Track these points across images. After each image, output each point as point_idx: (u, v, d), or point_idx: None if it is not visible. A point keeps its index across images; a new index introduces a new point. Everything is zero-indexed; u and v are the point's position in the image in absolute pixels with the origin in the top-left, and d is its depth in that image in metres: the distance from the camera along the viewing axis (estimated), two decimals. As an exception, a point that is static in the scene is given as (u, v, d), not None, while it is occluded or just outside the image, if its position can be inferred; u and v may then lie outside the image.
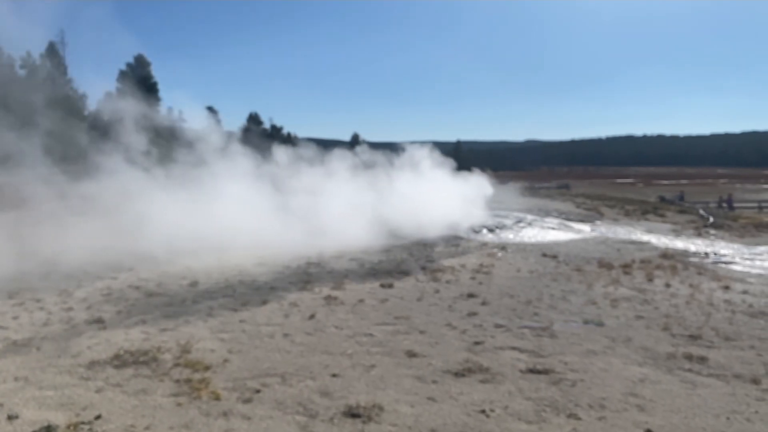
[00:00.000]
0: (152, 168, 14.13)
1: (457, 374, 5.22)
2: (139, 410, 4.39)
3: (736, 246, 14.38)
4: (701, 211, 23.79)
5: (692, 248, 13.81)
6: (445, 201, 16.71)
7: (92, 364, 5.38)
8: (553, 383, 5.05)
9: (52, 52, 46.07)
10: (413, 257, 11.81)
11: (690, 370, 5.42)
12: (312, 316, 7.20)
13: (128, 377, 5.07)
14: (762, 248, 13.93)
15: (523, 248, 13.39)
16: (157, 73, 51.89)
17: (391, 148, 20.66)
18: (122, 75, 47.25)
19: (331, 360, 5.61)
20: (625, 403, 4.63)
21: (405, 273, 10.10)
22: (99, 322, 6.85)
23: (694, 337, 6.45)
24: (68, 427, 4.07)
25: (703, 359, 5.70)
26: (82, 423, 4.13)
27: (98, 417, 4.24)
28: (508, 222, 18.04)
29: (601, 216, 21.52)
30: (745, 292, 8.86)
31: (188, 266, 10.24)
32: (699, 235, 16.78)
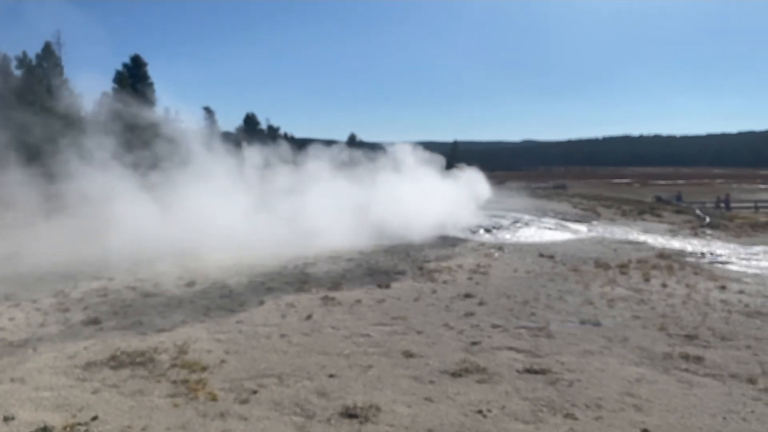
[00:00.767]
0: (139, 169, 14.08)
1: (454, 374, 5.22)
2: (135, 411, 4.38)
3: (732, 246, 14.41)
4: (697, 211, 23.84)
5: (689, 248, 13.84)
6: (440, 201, 16.69)
7: (89, 365, 5.36)
8: (549, 383, 5.05)
9: (49, 52, 45.99)
10: (410, 258, 11.81)
11: (686, 370, 5.43)
12: (309, 317, 7.20)
13: (125, 378, 5.06)
14: (758, 248, 13.97)
15: (520, 248, 13.40)
16: (154, 73, 51.79)
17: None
18: (118, 75, 47.21)
19: (328, 360, 5.60)
20: (621, 402, 4.64)
21: (402, 273, 10.10)
22: (95, 323, 6.83)
23: (690, 337, 6.46)
24: (64, 428, 4.06)
25: (699, 359, 5.71)
26: (79, 424, 4.12)
27: (95, 418, 4.23)
28: (505, 222, 18.06)
29: (597, 216, 21.56)
30: (741, 291, 8.88)
31: (185, 266, 10.22)
32: (695, 235, 16.81)
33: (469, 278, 9.75)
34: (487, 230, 16.49)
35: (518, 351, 5.95)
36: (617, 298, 8.39)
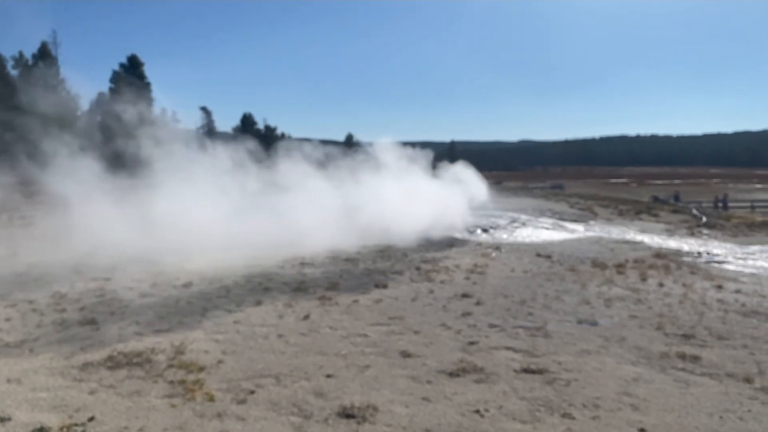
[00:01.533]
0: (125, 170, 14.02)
1: (452, 374, 5.22)
2: (132, 412, 4.37)
3: (728, 245, 14.44)
4: (694, 211, 23.90)
5: (685, 248, 13.87)
6: (432, 201, 16.66)
7: (85, 366, 5.35)
8: (547, 383, 5.06)
9: (45, 52, 45.90)
10: (407, 258, 11.81)
11: (683, 370, 5.44)
12: (306, 317, 7.19)
13: (122, 378, 5.05)
14: (754, 248, 14.00)
15: (517, 248, 13.42)
16: (150, 73, 51.80)
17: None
18: (115, 75, 47.15)
19: (325, 360, 5.60)
20: (618, 402, 4.65)
21: (399, 273, 10.10)
22: (92, 323, 6.82)
23: (687, 337, 6.47)
24: (61, 428, 4.04)
25: (696, 358, 5.73)
26: (75, 425, 4.11)
27: (91, 419, 4.22)
28: (502, 222, 18.09)
29: (594, 216, 21.60)
30: (737, 291, 8.90)
31: (182, 267, 10.20)
32: (692, 234, 16.85)
33: (467, 278, 9.75)
34: (485, 230, 16.50)
35: (515, 351, 5.96)
36: (614, 297, 8.40)
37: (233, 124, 72.32)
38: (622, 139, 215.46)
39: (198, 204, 13.02)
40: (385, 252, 12.43)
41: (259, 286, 8.96)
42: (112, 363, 5.41)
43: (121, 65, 50.46)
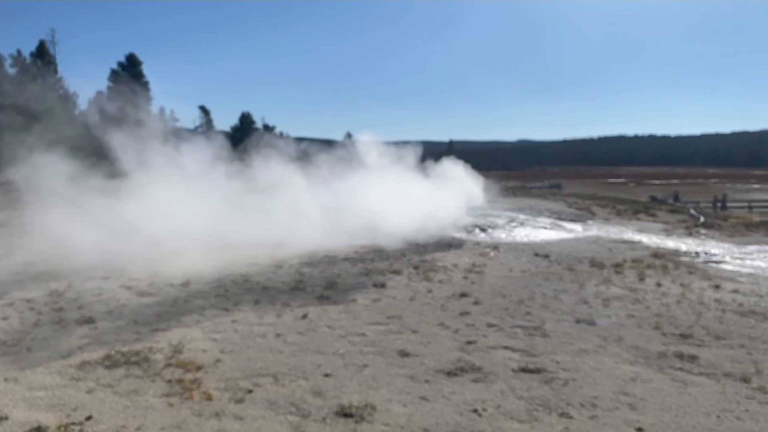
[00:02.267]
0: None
1: (450, 373, 5.22)
2: (130, 411, 4.36)
3: (726, 245, 14.47)
4: (692, 211, 23.93)
5: (683, 248, 13.89)
6: (426, 199, 16.65)
7: (83, 365, 5.34)
8: (545, 382, 5.06)
9: (43, 50, 45.84)
10: (405, 257, 11.81)
11: (681, 369, 5.45)
12: (304, 316, 7.19)
13: (119, 378, 5.05)
14: (752, 247, 14.03)
15: (515, 248, 13.42)
16: (149, 72, 51.69)
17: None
18: (113, 74, 47.08)
19: (323, 360, 5.60)
20: (616, 401, 4.65)
21: (397, 273, 10.10)
22: (90, 322, 6.81)
23: (684, 336, 6.48)
24: (59, 428, 4.04)
25: (693, 358, 5.74)
26: (73, 424, 4.10)
27: (89, 418, 4.21)
28: (500, 221, 18.08)
29: (592, 215, 21.60)
30: (735, 291, 8.92)
31: (179, 266, 10.18)
32: (690, 234, 16.87)
33: (465, 277, 9.75)
34: (483, 229, 16.51)
35: (513, 350, 5.96)
36: (612, 297, 8.41)
37: (232, 123, 72.27)
38: (620, 139, 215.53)
39: (183, 205, 12.94)
40: (384, 251, 12.42)
41: (257, 285, 8.95)
42: (110, 362, 5.41)
43: (120, 64, 50.40)
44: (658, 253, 12.56)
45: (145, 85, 48.89)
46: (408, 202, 15.74)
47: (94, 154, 13.98)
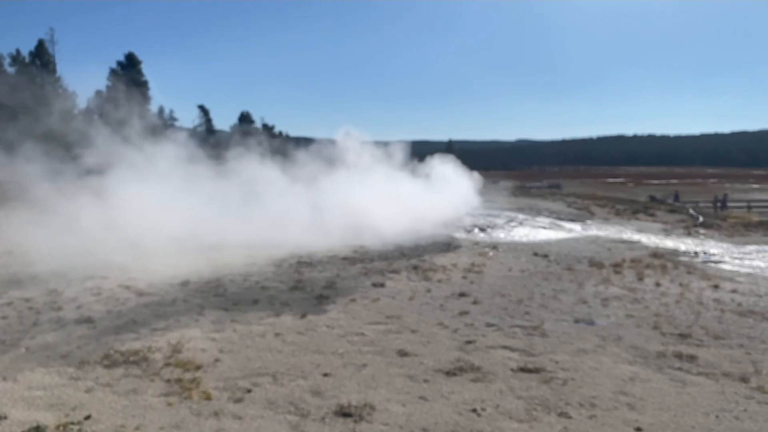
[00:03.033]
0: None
1: (449, 373, 5.22)
2: (129, 410, 4.36)
3: (725, 245, 14.48)
4: (691, 211, 23.94)
5: (682, 247, 13.90)
6: (428, 200, 16.65)
7: (82, 364, 5.34)
8: (544, 382, 5.06)
9: (42, 50, 45.80)
10: (404, 257, 11.81)
11: (680, 369, 5.45)
12: (303, 316, 7.18)
13: (118, 377, 5.04)
14: (751, 247, 14.04)
15: (514, 247, 13.43)
16: (148, 71, 51.70)
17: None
18: (113, 73, 47.03)
19: (322, 359, 5.59)
20: (615, 401, 4.66)
21: (396, 272, 10.09)
22: (88, 322, 6.80)
23: (683, 336, 6.49)
24: (57, 427, 4.03)
25: (692, 358, 5.74)
26: (72, 423, 4.10)
27: (88, 417, 4.21)
28: (499, 221, 18.11)
29: (591, 215, 21.63)
30: (734, 291, 8.92)
31: (178, 265, 10.17)
32: (689, 234, 16.89)
33: (464, 277, 9.75)
34: (482, 229, 16.52)
35: (512, 350, 5.96)
36: (611, 297, 8.42)
37: (231, 123, 72.30)
38: (620, 139, 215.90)
39: (183, 206, 12.92)
40: (383, 251, 12.42)
41: (256, 285, 8.94)
42: (109, 361, 5.40)
43: (119, 63, 50.37)
44: (657, 253, 12.57)
45: (144, 85, 48.92)
46: (406, 201, 15.76)
47: (75, 149, 13.85)
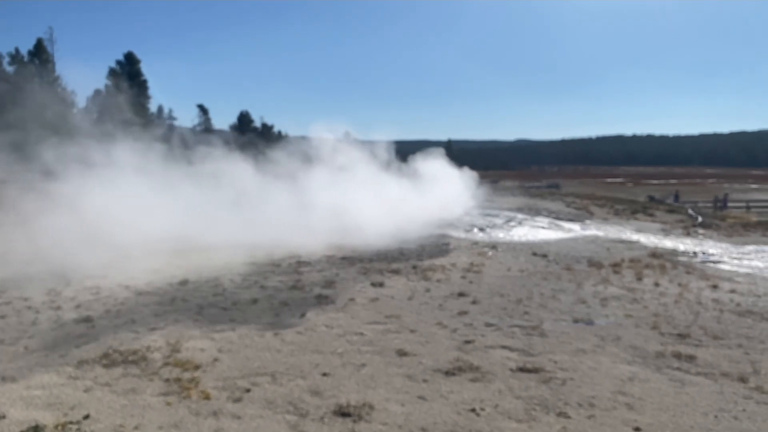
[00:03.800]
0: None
1: (448, 373, 5.22)
2: (128, 410, 4.35)
3: (724, 245, 14.49)
4: (690, 211, 23.97)
5: (681, 247, 13.91)
6: (426, 199, 16.65)
7: (81, 364, 5.33)
8: (542, 382, 5.06)
9: (41, 49, 45.77)
10: (403, 256, 11.81)
11: (678, 369, 5.46)
12: (302, 315, 7.18)
13: (117, 376, 5.04)
14: (750, 247, 14.06)
15: (513, 247, 13.43)
16: (147, 70, 51.69)
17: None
18: (112, 72, 47.04)
19: (321, 359, 5.59)
20: (614, 401, 4.66)
21: (395, 272, 10.09)
22: (87, 321, 6.80)
23: (682, 336, 6.49)
24: (56, 426, 4.03)
25: (691, 358, 5.74)
26: (70, 423, 4.10)
27: (87, 416, 4.20)
28: (498, 221, 18.12)
29: (590, 215, 21.64)
30: (733, 291, 8.93)
31: (178, 264, 10.17)
32: (688, 234, 16.90)
33: (463, 277, 9.75)
34: (481, 229, 16.53)
35: (511, 350, 5.96)
36: (610, 297, 8.42)
37: (230, 122, 72.25)
38: (619, 139, 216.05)
39: (184, 205, 12.88)
40: (381, 250, 12.42)
41: (255, 284, 8.93)
42: (108, 361, 5.40)
43: (118, 62, 50.34)
44: (656, 253, 12.58)
45: (143, 84, 48.93)
46: (406, 202, 15.77)
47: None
